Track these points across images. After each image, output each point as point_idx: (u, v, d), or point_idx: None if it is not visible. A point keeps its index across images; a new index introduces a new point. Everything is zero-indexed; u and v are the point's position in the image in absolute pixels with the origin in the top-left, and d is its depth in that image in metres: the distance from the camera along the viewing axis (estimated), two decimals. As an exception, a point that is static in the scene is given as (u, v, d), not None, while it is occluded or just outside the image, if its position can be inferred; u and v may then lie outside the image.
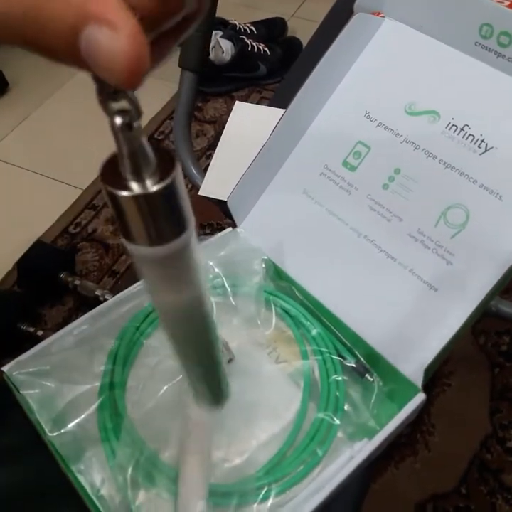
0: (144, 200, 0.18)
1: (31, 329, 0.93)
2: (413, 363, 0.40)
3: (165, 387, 0.40)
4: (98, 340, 0.42)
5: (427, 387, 0.97)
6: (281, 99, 0.56)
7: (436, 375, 0.92)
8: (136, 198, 0.18)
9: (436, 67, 0.44)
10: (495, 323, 0.97)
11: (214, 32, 1.32)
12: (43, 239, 1.11)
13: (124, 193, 0.17)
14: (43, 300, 1.02)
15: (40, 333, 0.93)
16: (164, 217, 0.18)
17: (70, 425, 0.38)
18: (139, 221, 0.18)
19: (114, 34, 0.16)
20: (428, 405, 0.89)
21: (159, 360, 0.41)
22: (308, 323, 0.45)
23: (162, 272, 0.20)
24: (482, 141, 0.41)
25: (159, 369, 0.41)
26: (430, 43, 0.45)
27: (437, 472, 0.84)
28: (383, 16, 0.47)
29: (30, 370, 0.40)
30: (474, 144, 0.42)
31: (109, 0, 0.16)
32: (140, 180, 0.18)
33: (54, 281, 1.00)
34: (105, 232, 1.15)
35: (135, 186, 0.17)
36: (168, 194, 0.18)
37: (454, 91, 0.43)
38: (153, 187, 0.17)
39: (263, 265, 0.48)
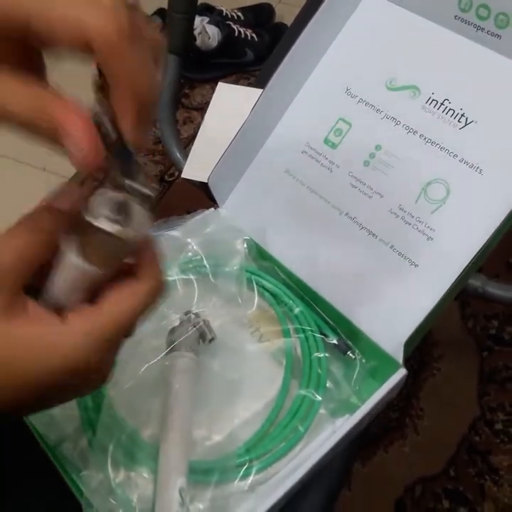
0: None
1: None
2: (394, 339, 0.40)
3: (145, 366, 0.40)
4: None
5: (416, 371, 0.98)
6: (264, 81, 0.55)
7: (425, 360, 0.93)
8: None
9: (416, 41, 0.44)
10: (484, 307, 0.98)
11: (200, 18, 1.31)
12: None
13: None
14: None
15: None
16: None
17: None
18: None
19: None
20: (417, 389, 0.89)
21: (139, 340, 0.41)
22: (291, 301, 0.44)
23: None
24: (462, 115, 0.41)
25: (139, 349, 0.41)
26: (410, 17, 0.44)
27: (426, 455, 0.84)
28: (364, -8, 0.46)
29: None
30: (454, 118, 0.41)
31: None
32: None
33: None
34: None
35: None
36: None
37: (434, 65, 0.43)
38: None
39: (245, 245, 0.47)
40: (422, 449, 0.84)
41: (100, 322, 0.26)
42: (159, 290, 0.28)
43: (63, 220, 0.25)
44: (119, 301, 0.26)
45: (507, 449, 0.84)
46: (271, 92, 0.47)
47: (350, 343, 0.42)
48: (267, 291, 0.46)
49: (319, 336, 0.42)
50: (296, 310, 0.44)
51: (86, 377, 0.27)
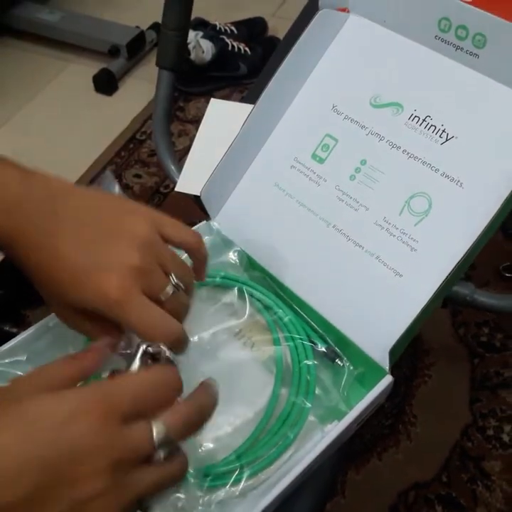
0: None
1: (14, 330, 0.94)
2: (380, 346, 0.41)
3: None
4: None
5: (408, 378, 0.99)
6: (255, 96, 0.57)
7: (417, 367, 0.94)
8: None
9: (399, 60, 0.46)
10: (474, 315, 0.99)
11: (195, 32, 1.33)
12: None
13: None
14: (26, 301, 1.03)
15: (24, 333, 0.93)
16: None
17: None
18: None
19: None
20: (410, 397, 0.90)
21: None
22: (281, 310, 0.46)
23: None
24: (443, 131, 0.43)
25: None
26: (393, 37, 0.46)
27: (419, 461, 0.85)
28: (349, 12, 0.48)
29: (6, 361, 0.41)
30: (436, 134, 0.43)
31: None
32: None
33: (38, 281, 1.01)
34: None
35: None
36: None
37: (417, 83, 0.45)
38: None
39: (236, 256, 0.49)
40: (414, 455, 0.85)
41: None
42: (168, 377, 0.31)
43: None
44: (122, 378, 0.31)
45: (499, 455, 0.85)
46: (261, 108, 0.49)
47: (338, 350, 0.43)
48: (258, 300, 0.47)
49: (308, 343, 0.44)
50: (286, 319, 0.45)
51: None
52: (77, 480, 0.25)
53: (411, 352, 0.95)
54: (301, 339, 0.44)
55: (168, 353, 0.32)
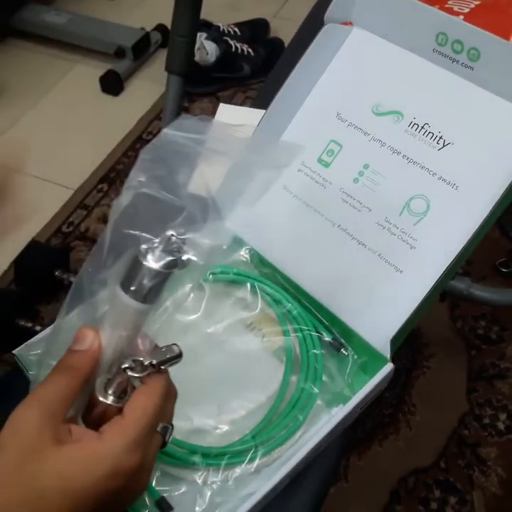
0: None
1: (29, 325, 0.97)
2: (382, 337, 0.45)
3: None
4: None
5: (408, 370, 1.02)
6: (264, 101, 0.60)
7: (416, 359, 0.98)
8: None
9: (399, 71, 0.49)
10: (471, 309, 1.03)
11: (199, 34, 1.36)
12: (37, 238, 1.15)
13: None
14: (40, 297, 1.06)
15: (38, 328, 0.97)
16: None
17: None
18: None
19: None
20: (409, 387, 0.94)
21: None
22: (290, 305, 0.49)
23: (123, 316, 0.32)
24: (440, 137, 0.46)
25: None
26: (394, 49, 0.50)
27: (418, 448, 0.89)
28: (352, 25, 0.52)
29: (39, 351, 0.44)
30: (433, 140, 0.47)
31: None
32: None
33: (50, 278, 1.04)
34: (97, 231, 1.19)
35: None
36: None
37: (416, 93, 0.48)
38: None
39: (248, 254, 0.53)
40: (414, 442, 0.89)
41: (126, 425, 0.31)
42: (166, 387, 0.33)
43: (86, 362, 0.32)
44: (135, 405, 0.31)
45: (494, 442, 0.89)
46: (271, 115, 0.53)
47: (343, 341, 0.47)
48: (268, 295, 0.50)
49: (315, 334, 0.47)
50: (295, 312, 0.49)
51: (132, 477, 0.30)
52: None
53: (411, 344, 0.99)
54: (308, 330, 0.48)
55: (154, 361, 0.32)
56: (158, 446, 0.33)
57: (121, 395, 0.32)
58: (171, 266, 0.30)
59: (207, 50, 1.33)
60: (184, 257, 0.30)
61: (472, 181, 0.45)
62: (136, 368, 0.32)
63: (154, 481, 0.41)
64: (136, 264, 0.30)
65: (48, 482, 0.28)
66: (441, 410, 0.92)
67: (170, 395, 0.34)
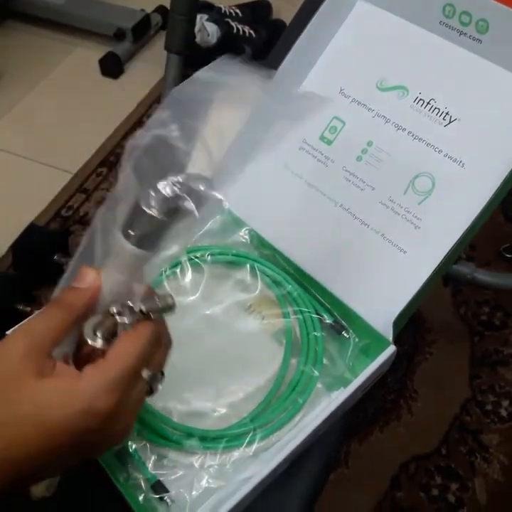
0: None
1: (28, 309, 0.96)
2: (384, 319, 0.43)
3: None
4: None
5: (410, 355, 1.01)
6: (264, 80, 0.59)
7: (419, 344, 0.97)
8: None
9: (404, 45, 0.48)
10: (475, 294, 1.02)
11: (200, 15, 1.34)
12: (36, 222, 1.14)
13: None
14: (39, 281, 1.05)
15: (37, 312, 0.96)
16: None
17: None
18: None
19: None
20: (411, 373, 0.93)
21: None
22: (290, 286, 0.48)
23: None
24: (447, 113, 0.45)
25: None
26: (399, 22, 0.48)
27: (420, 434, 0.88)
28: (356, -2, 0.50)
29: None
30: (440, 116, 0.45)
31: None
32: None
33: (49, 262, 1.03)
34: (97, 215, 1.18)
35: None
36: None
37: (421, 67, 0.47)
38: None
39: (247, 235, 0.51)
40: (415, 428, 0.88)
41: (108, 366, 0.30)
42: (155, 333, 0.32)
43: (83, 300, 0.32)
44: (118, 347, 0.31)
45: (496, 429, 0.88)
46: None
47: (344, 323, 0.46)
48: (268, 276, 0.49)
49: (316, 317, 0.46)
50: (295, 293, 0.48)
51: (108, 419, 0.30)
52: None
53: (413, 330, 0.98)
54: (309, 313, 0.46)
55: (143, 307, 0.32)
56: (143, 392, 0.32)
57: (109, 338, 0.32)
58: (168, 214, 0.30)
59: (208, 31, 1.31)
60: (182, 206, 0.30)
61: (479, 159, 0.43)
62: (123, 312, 0.32)
63: (150, 465, 0.40)
64: (135, 209, 0.31)
65: (25, 410, 0.29)
66: (444, 396, 0.91)
67: (159, 342, 0.33)
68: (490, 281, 0.66)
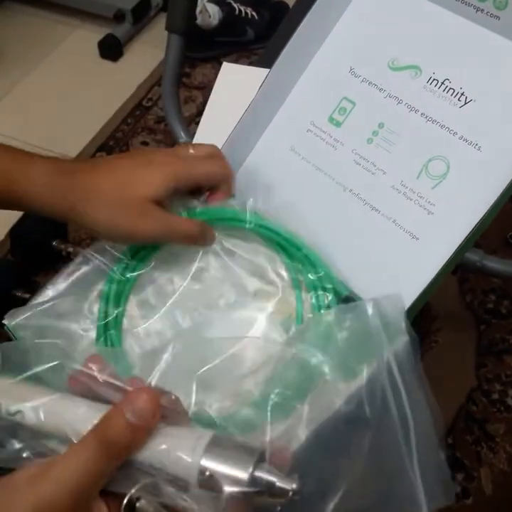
0: None
1: (27, 296, 0.95)
2: (396, 308, 0.42)
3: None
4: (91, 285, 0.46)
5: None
6: (268, 60, 0.57)
7: (424, 333, 0.95)
8: None
9: (417, 22, 0.45)
10: (481, 282, 1.00)
11: (201, -4, 1.31)
12: (35, 208, 1.12)
13: None
14: (37, 268, 1.04)
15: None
16: None
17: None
18: None
19: None
20: (416, 361, 0.92)
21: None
22: (303, 269, 0.46)
23: None
24: (462, 94, 0.43)
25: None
26: (412, -2, 0.46)
27: (425, 424, 0.87)
28: (367, -27, 0.48)
29: (28, 316, 0.43)
30: (454, 97, 0.43)
31: None
32: None
33: (47, 248, 1.01)
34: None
35: None
36: None
37: (435, 46, 0.45)
38: None
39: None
40: (420, 418, 0.87)
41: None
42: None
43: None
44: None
45: (503, 418, 0.87)
46: (277, 71, 0.49)
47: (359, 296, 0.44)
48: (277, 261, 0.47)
49: (326, 303, 0.44)
50: (307, 278, 0.46)
51: None
52: None
53: (418, 318, 0.96)
54: (319, 298, 0.45)
55: None
56: None
57: None
58: None
59: (209, 12, 1.28)
60: None
61: (496, 142, 0.41)
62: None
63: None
64: None
65: None
66: (449, 386, 0.90)
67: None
68: (500, 269, 0.64)
